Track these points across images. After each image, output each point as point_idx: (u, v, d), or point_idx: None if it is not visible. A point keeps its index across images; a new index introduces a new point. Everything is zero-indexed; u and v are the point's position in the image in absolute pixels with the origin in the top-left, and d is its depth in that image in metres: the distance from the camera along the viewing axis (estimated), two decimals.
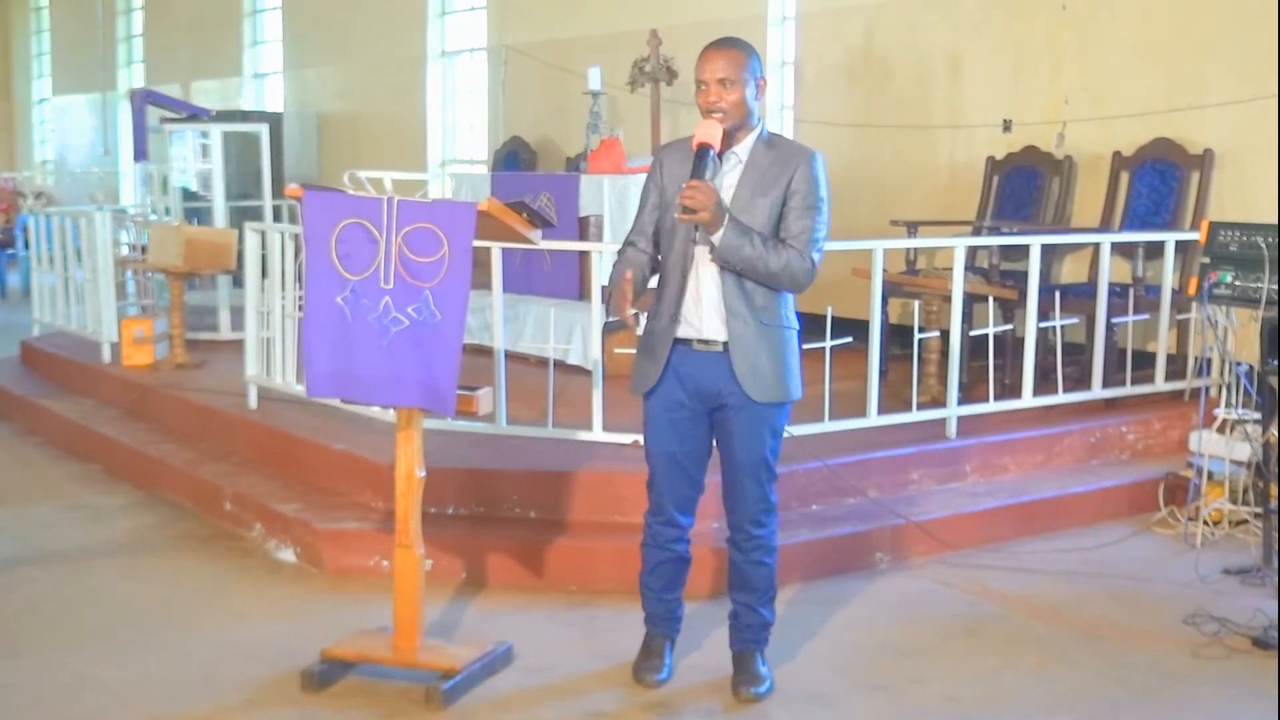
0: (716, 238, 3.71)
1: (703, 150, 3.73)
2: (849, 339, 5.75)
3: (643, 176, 3.93)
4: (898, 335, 7.08)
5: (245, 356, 6.61)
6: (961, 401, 6.06)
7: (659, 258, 3.95)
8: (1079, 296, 6.62)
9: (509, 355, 5.99)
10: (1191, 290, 5.24)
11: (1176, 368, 6.77)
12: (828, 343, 5.66)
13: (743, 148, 3.84)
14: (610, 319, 3.94)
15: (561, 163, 10.22)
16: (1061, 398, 6.35)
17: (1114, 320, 6.46)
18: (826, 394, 5.62)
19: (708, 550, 4.76)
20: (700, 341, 3.85)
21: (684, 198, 3.66)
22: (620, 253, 4.00)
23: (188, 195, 10.95)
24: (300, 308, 5.51)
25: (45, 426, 7.75)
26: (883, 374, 6.18)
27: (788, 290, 3.84)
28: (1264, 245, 4.98)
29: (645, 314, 3.97)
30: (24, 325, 9.74)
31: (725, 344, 3.83)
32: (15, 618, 4.76)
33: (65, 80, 19.21)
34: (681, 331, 3.87)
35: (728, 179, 3.83)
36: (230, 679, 4.17)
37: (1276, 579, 4.86)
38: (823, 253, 3.84)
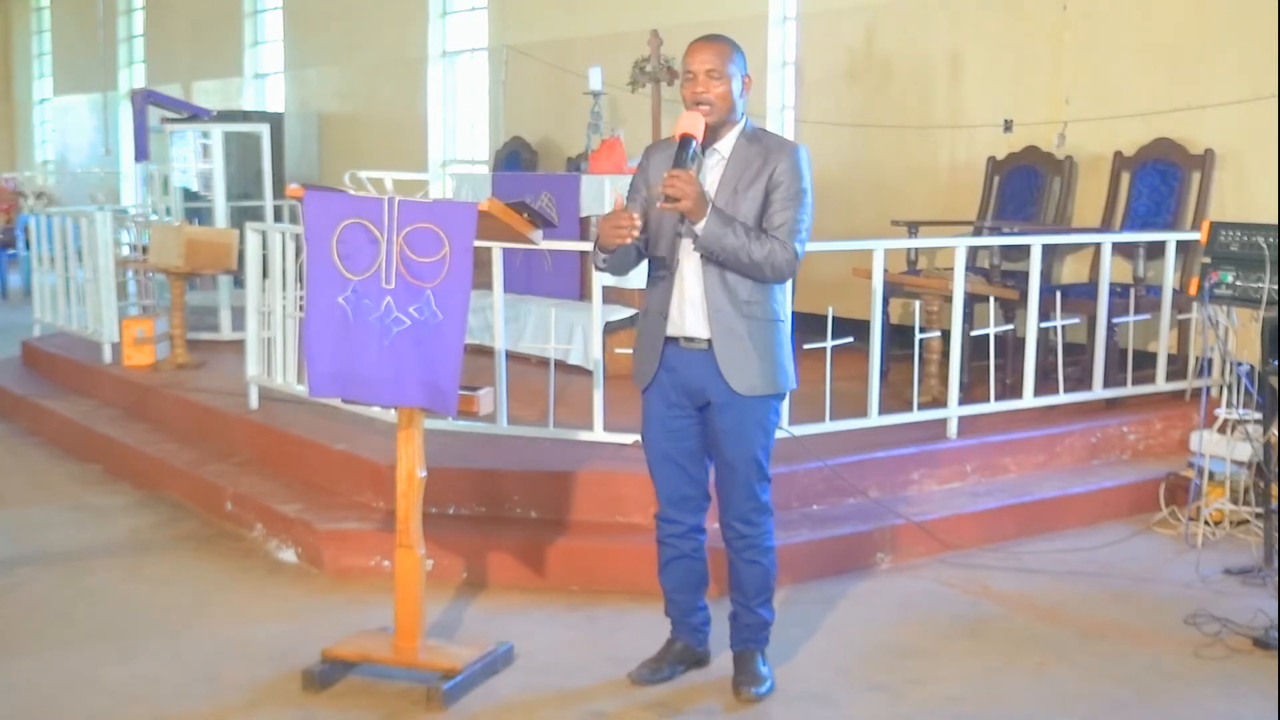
0: (699, 227, 3.71)
1: (685, 140, 3.73)
2: (850, 339, 5.75)
3: None
4: (898, 335, 7.07)
5: (246, 356, 6.61)
6: (962, 402, 6.05)
7: (643, 250, 3.94)
8: (1080, 296, 6.62)
9: (510, 355, 5.99)
10: (1192, 290, 5.24)
11: (1177, 368, 6.77)
12: (829, 343, 5.66)
13: (724, 144, 3.85)
14: (608, 249, 3.81)
15: (562, 163, 10.22)
16: (1062, 398, 6.35)
17: (1115, 320, 6.45)
18: (827, 394, 5.62)
19: (711, 550, 4.75)
20: (686, 339, 3.86)
21: (666, 186, 3.65)
22: None
23: (189, 195, 10.94)
24: (301, 308, 5.51)
25: (46, 427, 7.75)
26: (883, 374, 6.19)
27: (771, 281, 3.81)
28: (1265, 245, 4.97)
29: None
30: (25, 325, 9.74)
31: (709, 341, 3.84)
32: (16, 618, 4.76)
33: (66, 80, 19.21)
34: (670, 329, 3.88)
35: (710, 176, 3.83)
36: (231, 679, 4.17)
37: (1277, 579, 4.86)
38: (805, 243, 3.82)
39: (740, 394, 3.83)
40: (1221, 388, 6.10)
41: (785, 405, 5.40)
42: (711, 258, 3.77)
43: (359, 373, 3.98)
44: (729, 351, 3.82)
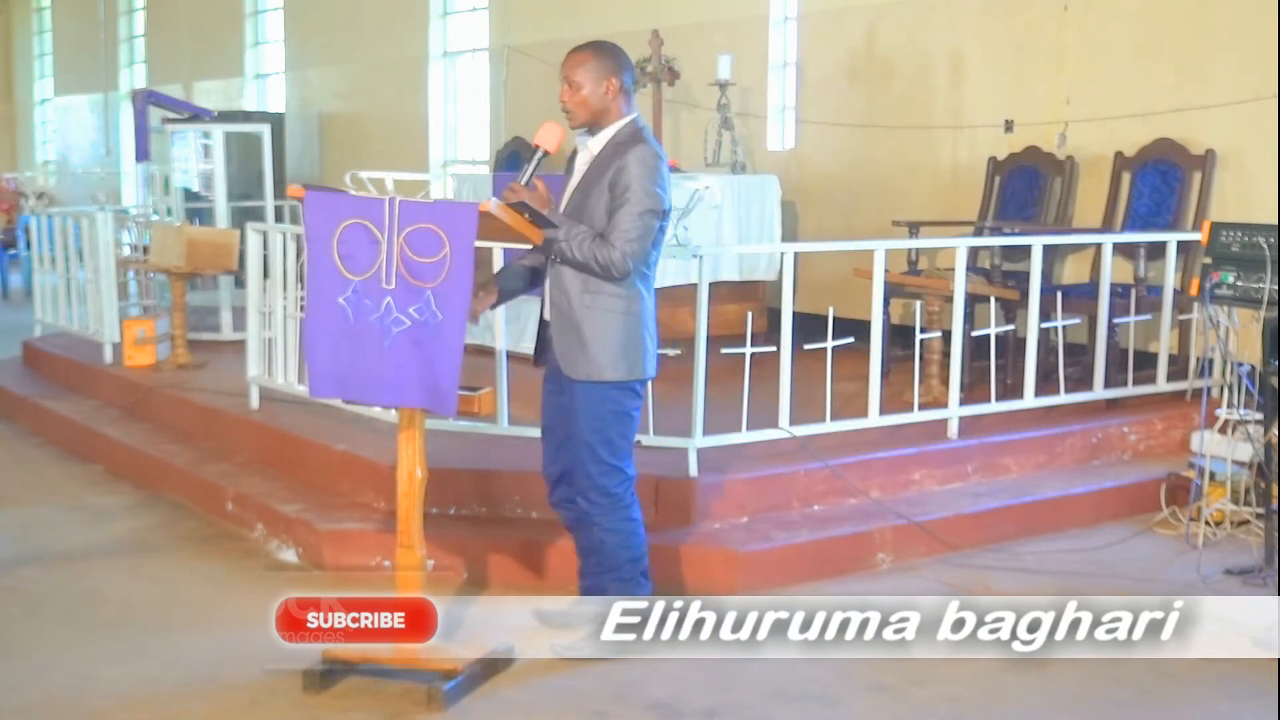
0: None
1: (532, 152, 4.15)
2: (850, 339, 5.74)
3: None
4: (899, 336, 7.07)
5: (247, 357, 6.61)
6: (963, 402, 6.05)
7: None
8: (1081, 297, 6.61)
9: (511, 355, 5.99)
10: (1193, 290, 5.24)
11: (1178, 368, 6.77)
12: (829, 343, 5.65)
13: (596, 142, 4.18)
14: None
15: (563, 163, 10.20)
16: (1063, 398, 6.35)
17: (1116, 320, 6.45)
18: (828, 394, 5.62)
19: (711, 550, 4.76)
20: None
21: (507, 195, 4.00)
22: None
23: (189, 195, 10.95)
24: (302, 308, 5.51)
25: (47, 427, 7.75)
26: (884, 374, 6.18)
27: (603, 279, 4.08)
28: (1265, 246, 4.98)
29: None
30: (26, 326, 9.73)
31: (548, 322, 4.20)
32: (17, 618, 4.76)
33: (67, 80, 19.22)
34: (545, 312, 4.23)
35: (576, 176, 4.18)
36: (231, 679, 4.17)
37: (1278, 580, 4.86)
38: (638, 244, 4.05)
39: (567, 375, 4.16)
40: (1222, 388, 6.10)
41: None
42: (552, 256, 4.11)
43: (359, 373, 3.98)
44: (559, 335, 4.15)
